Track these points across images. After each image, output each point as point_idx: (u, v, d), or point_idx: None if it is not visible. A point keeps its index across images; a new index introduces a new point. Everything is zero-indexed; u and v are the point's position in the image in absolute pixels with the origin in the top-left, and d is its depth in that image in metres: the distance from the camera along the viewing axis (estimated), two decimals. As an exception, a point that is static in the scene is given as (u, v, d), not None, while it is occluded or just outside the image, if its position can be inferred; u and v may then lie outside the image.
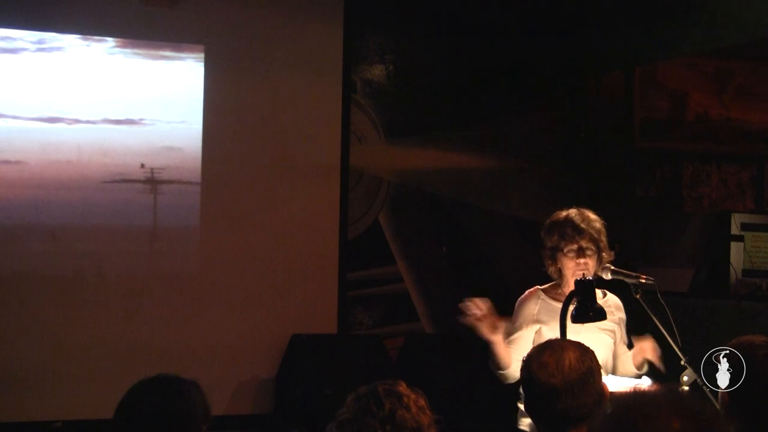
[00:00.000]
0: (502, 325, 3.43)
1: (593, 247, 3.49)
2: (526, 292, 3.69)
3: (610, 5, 6.52)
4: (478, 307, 3.40)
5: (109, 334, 5.73)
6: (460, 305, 3.45)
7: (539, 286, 3.68)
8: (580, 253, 3.48)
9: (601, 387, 2.51)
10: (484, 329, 3.41)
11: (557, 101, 7.10)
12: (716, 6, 5.79)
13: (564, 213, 3.57)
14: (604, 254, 3.52)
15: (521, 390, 3.44)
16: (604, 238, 3.54)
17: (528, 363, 2.56)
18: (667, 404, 1.45)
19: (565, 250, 3.50)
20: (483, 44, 6.75)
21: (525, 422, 3.50)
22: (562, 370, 2.46)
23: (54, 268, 5.74)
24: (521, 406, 3.51)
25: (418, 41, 6.74)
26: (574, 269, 3.48)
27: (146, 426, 2.34)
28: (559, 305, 3.40)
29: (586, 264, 3.47)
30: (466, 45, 6.74)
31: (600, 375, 2.55)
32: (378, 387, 2.11)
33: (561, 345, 2.59)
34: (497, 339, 3.44)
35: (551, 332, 3.44)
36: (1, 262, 5.64)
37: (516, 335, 3.60)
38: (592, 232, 3.50)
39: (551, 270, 3.59)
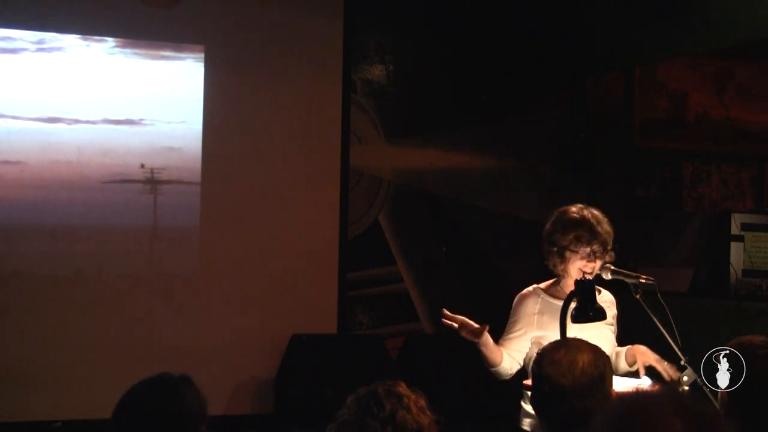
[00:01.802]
0: (485, 328, 3.42)
1: (601, 250, 3.49)
2: (525, 290, 3.68)
3: (610, 5, 6.52)
4: (452, 320, 3.42)
5: (110, 334, 5.73)
6: (443, 310, 3.47)
7: (538, 285, 3.68)
8: (592, 256, 3.48)
9: (610, 392, 2.48)
10: (465, 335, 3.42)
11: (557, 101, 7.09)
12: (716, 6, 5.78)
13: (577, 212, 3.53)
14: (607, 257, 3.52)
15: (524, 389, 3.44)
16: (611, 241, 3.54)
17: (540, 359, 2.53)
18: (668, 404, 1.45)
19: (579, 252, 3.49)
20: (483, 44, 6.75)
21: (526, 422, 3.50)
22: (573, 372, 2.43)
23: (54, 268, 5.73)
24: (524, 405, 3.51)
25: (418, 41, 6.74)
26: (582, 269, 3.48)
27: (146, 426, 2.34)
28: (560, 303, 3.40)
29: (593, 267, 3.48)
30: (466, 45, 6.74)
31: (611, 380, 2.52)
32: (378, 388, 2.11)
33: (577, 345, 2.55)
34: (481, 341, 3.43)
35: (553, 331, 3.44)
36: (1, 262, 5.64)
37: (513, 333, 3.59)
38: (605, 236, 3.50)
39: (559, 268, 3.56)
